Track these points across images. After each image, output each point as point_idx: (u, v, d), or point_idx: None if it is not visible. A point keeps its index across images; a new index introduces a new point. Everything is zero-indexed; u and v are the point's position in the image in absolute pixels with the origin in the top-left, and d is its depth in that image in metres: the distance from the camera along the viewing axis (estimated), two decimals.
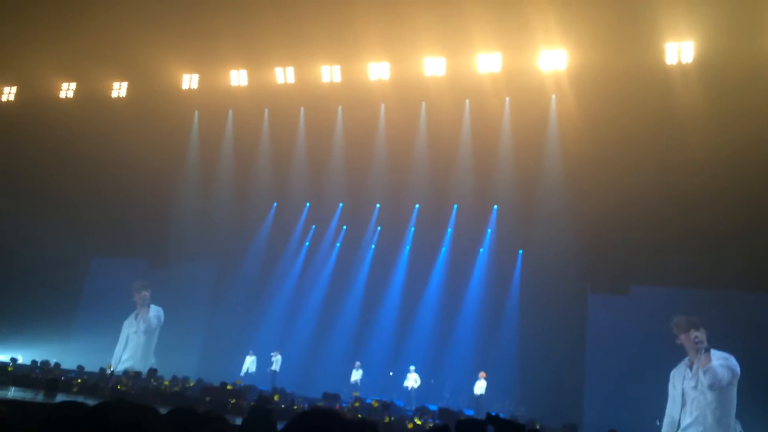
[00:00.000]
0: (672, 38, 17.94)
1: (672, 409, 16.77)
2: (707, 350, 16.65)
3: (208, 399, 15.79)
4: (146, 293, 23.50)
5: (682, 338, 17.08)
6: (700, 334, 16.87)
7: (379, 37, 19.82)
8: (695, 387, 16.71)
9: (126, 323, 23.26)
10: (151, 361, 22.16)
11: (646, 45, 18.09)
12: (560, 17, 18.25)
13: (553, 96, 19.60)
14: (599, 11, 17.77)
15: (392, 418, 15.24)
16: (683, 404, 16.65)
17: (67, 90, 25.21)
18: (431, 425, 14.89)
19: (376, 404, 15.89)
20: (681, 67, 17.91)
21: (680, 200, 17.04)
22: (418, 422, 14.89)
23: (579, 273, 18.22)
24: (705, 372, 16.58)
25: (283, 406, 15.41)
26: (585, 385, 17.98)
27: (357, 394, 17.77)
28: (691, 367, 16.93)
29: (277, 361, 20.05)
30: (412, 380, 18.69)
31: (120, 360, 22.73)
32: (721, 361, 16.57)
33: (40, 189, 23.77)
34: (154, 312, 23.29)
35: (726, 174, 16.54)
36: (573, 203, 18.46)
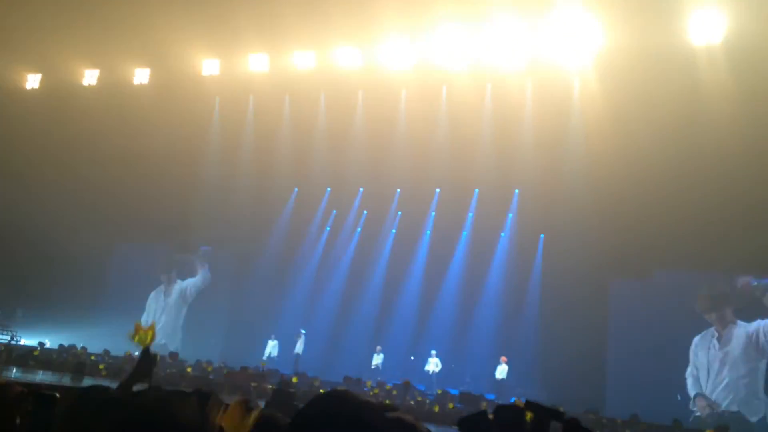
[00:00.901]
0: (700, 18, 17.51)
1: (693, 378, 16.83)
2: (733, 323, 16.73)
3: (231, 383, 15.99)
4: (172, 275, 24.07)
5: (707, 316, 17.14)
6: (718, 315, 16.88)
7: (400, 22, 19.64)
8: (723, 360, 16.67)
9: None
10: (179, 337, 22.63)
11: (672, 26, 17.69)
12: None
13: (577, 78, 19.31)
14: None
15: (412, 402, 15.32)
16: (708, 377, 16.67)
17: (91, 77, 25.43)
18: (451, 407, 14.95)
19: (392, 390, 15.99)
20: (708, 48, 17.49)
21: (705, 184, 16.74)
22: (436, 409, 14.96)
23: (601, 257, 18.03)
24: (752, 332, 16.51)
25: (303, 390, 15.55)
26: (607, 369, 17.90)
27: (378, 379, 17.87)
28: (719, 340, 16.87)
29: (300, 342, 20.17)
30: (433, 364, 18.72)
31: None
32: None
33: (63, 175, 24.07)
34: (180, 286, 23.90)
35: (753, 158, 16.21)
36: (595, 187, 18.23)
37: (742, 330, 16.76)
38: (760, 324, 16.46)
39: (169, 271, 23.95)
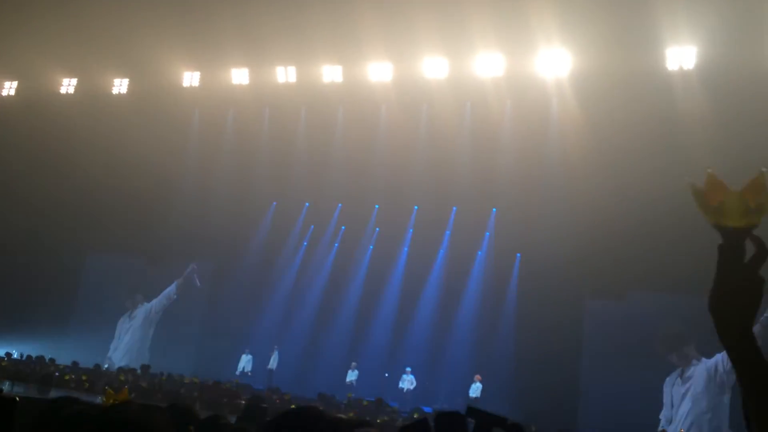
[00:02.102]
0: (674, 44, 17.93)
1: (665, 418, 16.85)
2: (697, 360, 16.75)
3: (203, 397, 15.76)
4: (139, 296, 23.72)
5: (668, 358, 17.26)
6: (679, 355, 16.94)
7: (381, 38, 19.79)
8: (685, 395, 16.75)
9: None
10: (146, 358, 22.21)
11: (647, 50, 18.07)
12: (562, 22, 18.23)
13: (555, 100, 19.58)
14: (601, 16, 17.76)
15: (386, 418, 15.23)
16: (673, 414, 16.69)
17: (68, 86, 25.17)
18: None
19: (365, 403, 15.89)
20: (682, 73, 17.89)
21: (680, 206, 16.93)
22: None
23: (577, 278, 18.17)
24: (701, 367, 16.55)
25: (277, 400, 15.39)
26: (581, 389, 17.96)
27: (351, 395, 17.75)
28: (682, 376, 16.98)
29: (274, 357, 20.01)
30: (408, 382, 18.65)
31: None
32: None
33: (37, 184, 23.70)
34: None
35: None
36: (572, 208, 18.39)
37: (703, 366, 16.83)
38: (718, 357, 16.40)
39: (133, 295, 23.57)
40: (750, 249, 1.37)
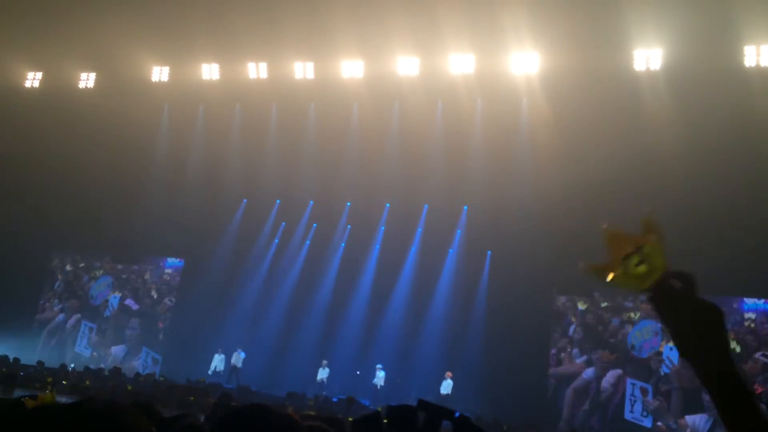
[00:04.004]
0: (641, 46, 18.25)
1: None
2: None
3: (172, 396, 15.60)
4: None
5: None
6: None
7: (353, 35, 19.73)
8: None
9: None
10: (111, 357, 21.91)
11: (615, 52, 18.35)
12: (532, 22, 18.39)
13: (524, 99, 19.76)
14: (572, 18, 17.98)
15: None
16: None
17: (33, 80, 24.64)
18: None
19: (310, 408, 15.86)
20: (649, 74, 18.22)
21: (645, 205, 17.24)
22: None
23: (546, 275, 18.35)
24: None
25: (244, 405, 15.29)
26: (550, 385, 18.19)
27: (323, 393, 17.70)
28: None
29: (236, 355, 19.84)
30: (381, 379, 18.67)
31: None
32: None
33: (0, 180, 23.16)
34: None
35: (691, 179, 16.82)
36: (542, 206, 18.56)
37: None
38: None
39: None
40: None
